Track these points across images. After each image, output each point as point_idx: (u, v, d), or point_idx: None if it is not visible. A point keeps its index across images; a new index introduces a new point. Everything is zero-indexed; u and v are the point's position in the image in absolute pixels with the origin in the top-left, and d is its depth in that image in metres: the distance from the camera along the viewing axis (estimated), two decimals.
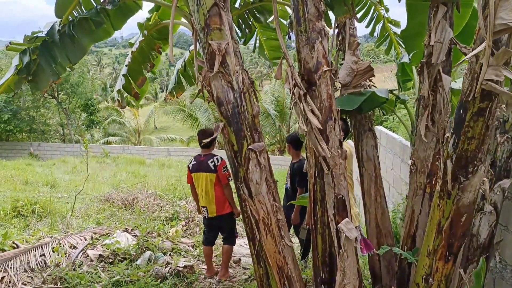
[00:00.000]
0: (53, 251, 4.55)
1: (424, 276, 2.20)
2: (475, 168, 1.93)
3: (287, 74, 2.42)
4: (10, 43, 3.39)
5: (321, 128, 2.32)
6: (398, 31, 4.54)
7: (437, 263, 2.13)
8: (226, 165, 4.07)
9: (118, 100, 4.69)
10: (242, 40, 4.57)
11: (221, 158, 4.10)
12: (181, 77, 5.01)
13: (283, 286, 2.43)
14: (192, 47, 4.76)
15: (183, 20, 3.09)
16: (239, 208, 4.11)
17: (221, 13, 2.40)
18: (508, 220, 2.50)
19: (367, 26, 4.41)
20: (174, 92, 5.18)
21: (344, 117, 3.64)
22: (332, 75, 2.33)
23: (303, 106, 2.34)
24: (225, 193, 4.16)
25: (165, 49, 4.18)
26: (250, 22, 4.19)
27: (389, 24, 4.52)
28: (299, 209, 4.31)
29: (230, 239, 4.36)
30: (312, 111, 2.36)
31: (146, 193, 7.96)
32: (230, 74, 2.34)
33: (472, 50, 1.77)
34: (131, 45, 4.17)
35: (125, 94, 4.51)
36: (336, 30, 3.57)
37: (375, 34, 4.57)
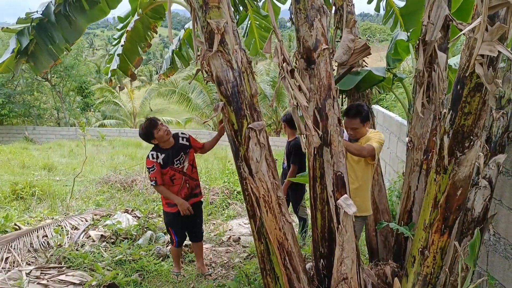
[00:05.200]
0: (55, 232, 4.61)
1: (420, 249, 2.27)
2: (471, 143, 1.97)
3: (275, 49, 2.43)
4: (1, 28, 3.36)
5: (307, 105, 2.37)
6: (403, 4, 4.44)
7: (433, 236, 2.20)
8: (150, 166, 3.58)
9: (110, 80, 4.67)
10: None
11: (149, 155, 3.60)
12: (175, 57, 4.98)
13: (283, 261, 2.50)
14: (186, 26, 4.71)
15: None
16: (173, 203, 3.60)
17: None
18: (502, 194, 2.57)
19: (369, 2, 4.34)
20: (167, 72, 5.17)
21: (342, 96, 3.66)
22: (331, 53, 2.34)
23: (289, 82, 2.36)
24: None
25: (159, 25, 4.11)
26: (246, 1, 4.15)
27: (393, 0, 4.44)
28: (288, 185, 4.39)
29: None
30: (299, 87, 2.39)
31: (145, 175, 8.00)
32: (229, 53, 2.33)
33: (469, 26, 1.78)
34: (121, 19, 4.10)
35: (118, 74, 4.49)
36: (334, 8, 3.54)
37: (381, 10, 4.47)
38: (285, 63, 2.39)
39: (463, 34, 1.84)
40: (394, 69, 3.82)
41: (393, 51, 3.76)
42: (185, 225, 3.85)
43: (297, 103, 2.39)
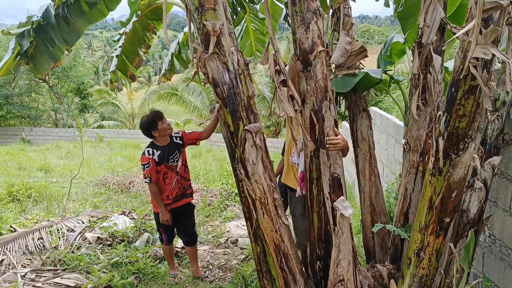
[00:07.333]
0: (51, 234, 4.60)
1: (416, 251, 2.27)
2: (466, 145, 1.98)
3: (271, 60, 2.43)
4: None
5: (295, 116, 2.37)
6: None
7: (428, 238, 2.20)
8: (145, 163, 3.58)
9: (111, 81, 4.67)
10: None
11: (145, 152, 3.62)
12: (175, 59, 4.99)
13: (280, 263, 2.50)
14: (186, 29, 4.72)
15: (177, 0, 3.06)
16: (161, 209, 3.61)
17: None
18: (498, 196, 2.57)
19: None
20: (167, 75, 5.18)
21: (339, 98, 3.66)
22: (327, 55, 2.35)
23: (278, 93, 2.38)
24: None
25: (159, 29, 4.13)
26: (244, 3, 4.16)
27: None
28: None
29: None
30: (291, 96, 2.39)
31: (142, 176, 7.98)
32: (225, 55, 2.34)
33: (463, 29, 1.79)
34: (123, 24, 4.12)
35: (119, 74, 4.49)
36: (331, 10, 3.56)
37: (391, 5, 4.43)
38: (277, 74, 2.39)
39: (457, 37, 1.85)
40: (391, 71, 3.83)
41: (389, 53, 3.77)
42: (176, 226, 3.88)
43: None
